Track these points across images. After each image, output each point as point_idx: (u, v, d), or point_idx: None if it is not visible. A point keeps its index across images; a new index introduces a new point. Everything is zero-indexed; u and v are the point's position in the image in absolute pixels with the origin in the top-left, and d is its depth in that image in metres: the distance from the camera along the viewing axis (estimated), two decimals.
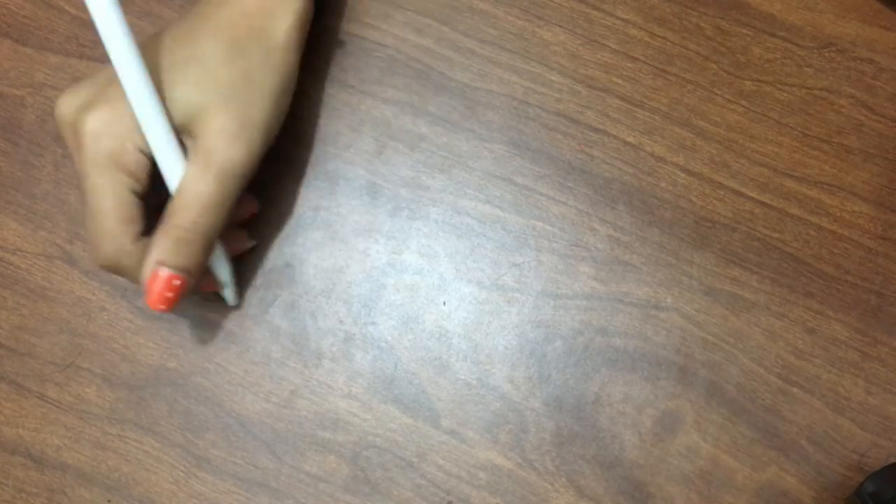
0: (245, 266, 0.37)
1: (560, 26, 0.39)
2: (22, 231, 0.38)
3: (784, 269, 0.37)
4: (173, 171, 0.30)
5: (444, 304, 0.37)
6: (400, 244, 0.37)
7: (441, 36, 0.39)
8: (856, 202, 0.38)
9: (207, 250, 0.31)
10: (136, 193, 0.30)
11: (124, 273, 0.31)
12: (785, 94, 0.39)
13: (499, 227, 0.37)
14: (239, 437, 0.36)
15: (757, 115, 0.38)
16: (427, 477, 0.35)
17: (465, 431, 0.36)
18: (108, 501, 0.35)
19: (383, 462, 0.36)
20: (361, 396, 0.36)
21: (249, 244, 0.36)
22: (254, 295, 0.37)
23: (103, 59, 0.39)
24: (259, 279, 0.37)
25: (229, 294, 0.36)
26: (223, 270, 0.34)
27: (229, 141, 0.30)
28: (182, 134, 0.30)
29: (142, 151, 0.30)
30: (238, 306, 0.37)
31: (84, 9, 0.39)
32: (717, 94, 0.39)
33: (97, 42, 0.39)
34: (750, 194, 0.38)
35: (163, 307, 0.30)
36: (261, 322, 0.37)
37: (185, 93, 0.30)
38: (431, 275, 0.37)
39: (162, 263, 0.30)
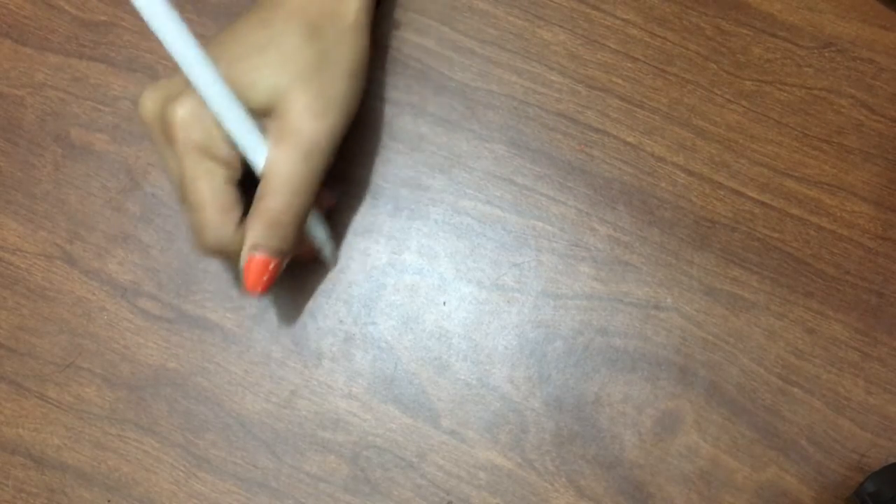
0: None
1: (560, 26, 0.39)
2: (22, 231, 0.38)
3: (784, 269, 0.37)
4: (257, 154, 0.30)
5: (444, 304, 0.37)
6: (400, 244, 0.37)
7: (441, 36, 0.39)
8: (856, 202, 0.38)
9: (299, 229, 0.31)
10: (231, 181, 0.31)
11: (228, 258, 0.32)
12: (785, 94, 0.39)
13: (499, 227, 0.37)
14: (239, 437, 0.36)
15: (757, 115, 0.38)
16: (427, 477, 0.35)
17: (465, 431, 0.36)
18: (108, 501, 0.35)
19: (383, 462, 0.36)
20: (361, 396, 0.36)
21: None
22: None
23: (103, 59, 0.39)
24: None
25: (328, 253, 0.36)
26: (319, 232, 0.35)
27: (314, 119, 0.30)
28: (263, 117, 0.30)
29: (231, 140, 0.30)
30: (335, 265, 0.37)
31: (84, 9, 0.39)
32: (717, 94, 0.39)
33: (97, 42, 0.39)
34: (750, 194, 0.38)
35: (259, 290, 0.31)
36: (261, 322, 0.37)
37: (266, 76, 0.30)
38: (431, 275, 0.37)
39: (256, 248, 0.31)
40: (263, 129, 0.30)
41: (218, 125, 0.30)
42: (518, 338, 0.37)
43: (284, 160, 0.30)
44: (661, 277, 0.37)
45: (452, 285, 0.37)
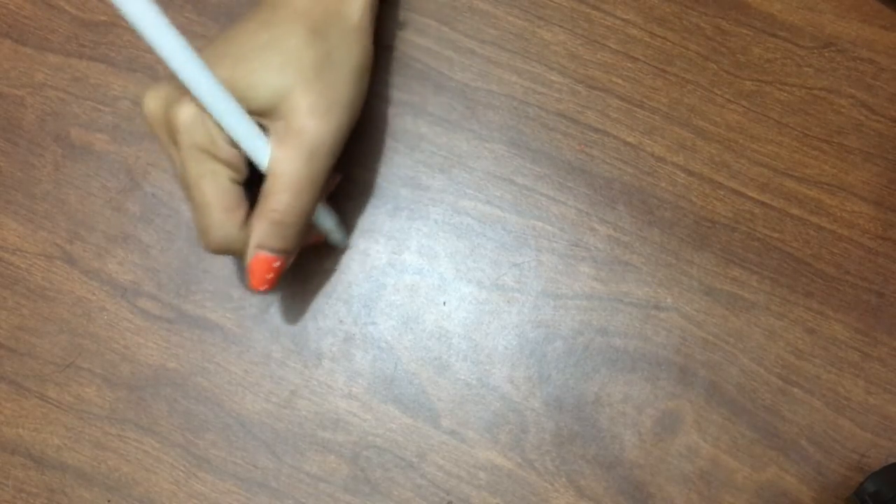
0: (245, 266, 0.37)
1: (560, 26, 0.39)
2: (22, 231, 0.38)
3: (784, 269, 0.37)
4: (261, 154, 0.30)
5: (444, 304, 0.37)
6: (400, 244, 0.37)
7: (441, 36, 0.39)
8: (856, 202, 0.38)
9: (304, 227, 0.32)
10: (235, 181, 0.31)
11: (235, 255, 0.32)
12: (785, 94, 0.39)
13: (499, 227, 0.37)
14: (239, 437, 0.36)
15: (757, 115, 0.38)
16: (427, 477, 0.35)
17: (465, 431, 0.36)
18: (108, 501, 0.35)
19: (383, 462, 0.36)
20: (361, 396, 0.36)
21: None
22: (254, 295, 0.37)
23: (103, 59, 0.39)
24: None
25: (337, 238, 0.36)
26: (326, 219, 0.35)
27: (318, 119, 0.30)
28: (266, 118, 0.31)
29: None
30: (347, 246, 0.37)
31: (84, 9, 0.39)
32: (717, 94, 0.39)
33: (97, 42, 0.39)
34: (750, 194, 0.38)
35: (265, 287, 0.32)
36: (261, 322, 0.37)
37: (268, 77, 0.30)
38: (431, 275, 0.37)
39: (261, 247, 0.31)
40: (267, 130, 0.30)
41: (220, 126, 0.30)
42: (518, 338, 0.37)
43: (288, 160, 0.30)
44: (661, 277, 0.37)
45: (452, 285, 0.37)
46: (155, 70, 0.39)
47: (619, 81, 0.39)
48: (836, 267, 0.37)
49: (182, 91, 0.30)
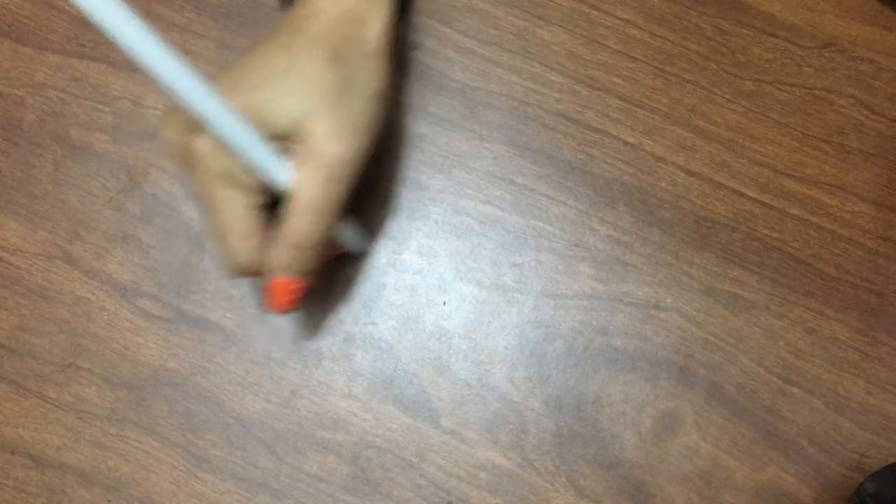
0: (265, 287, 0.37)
1: (560, 26, 0.39)
2: (22, 231, 0.38)
3: (784, 269, 0.37)
4: (280, 179, 0.30)
5: (444, 304, 0.37)
6: (400, 244, 0.37)
7: (441, 36, 0.39)
8: (856, 202, 0.38)
9: (324, 250, 0.32)
10: (255, 207, 0.31)
11: (256, 277, 0.32)
12: (785, 94, 0.39)
13: (499, 227, 0.37)
14: (239, 437, 0.36)
15: (757, 115, 0.38)
16: (427, 477, 0.35)
17: (465, 431, 0.36)
18: (108, 501, 0.35)
19: (383, 462, 0.36)
20: (361, 396, 0.36)
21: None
22: (254, 295, 0.37)
23: (103, 59, 0.39)
24: (259, 279, 0.37)
25: (357, 247, 0.36)
26: (346, 232, 0.35)
27: (338, 142, 0.30)
28: (286, 142, 0.31)
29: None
30: (366, 254, 0.37)
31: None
32: (717, 94, 0.39)
33: (97, 42, 0.39)
34: (750, 194, 0.38)
35: (285, 309, 0.32)
36: (261, 322, 0.37)
37: (288, 102, 0.30)
38: (431, 275, 0.37)
39: (282, 272, 0.31)
40: (287, 153, 0.30)
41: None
42: (518, 338, 0.37)
43: (309, 184, 0.30)
44: (661, 277, 0.37)
45: (452, 285, 0.37)
46: None
47: (619, 81, 0.39)
48: (836, 267, 0.37)
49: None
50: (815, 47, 0.39)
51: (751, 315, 0.37)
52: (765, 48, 0.39)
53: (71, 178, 0.38)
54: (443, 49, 0.39)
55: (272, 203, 0.31)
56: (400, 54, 0.39)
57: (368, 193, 0.38)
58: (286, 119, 0.30)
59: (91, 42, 0.39)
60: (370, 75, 0.32)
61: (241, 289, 0.37)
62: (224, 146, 0.29)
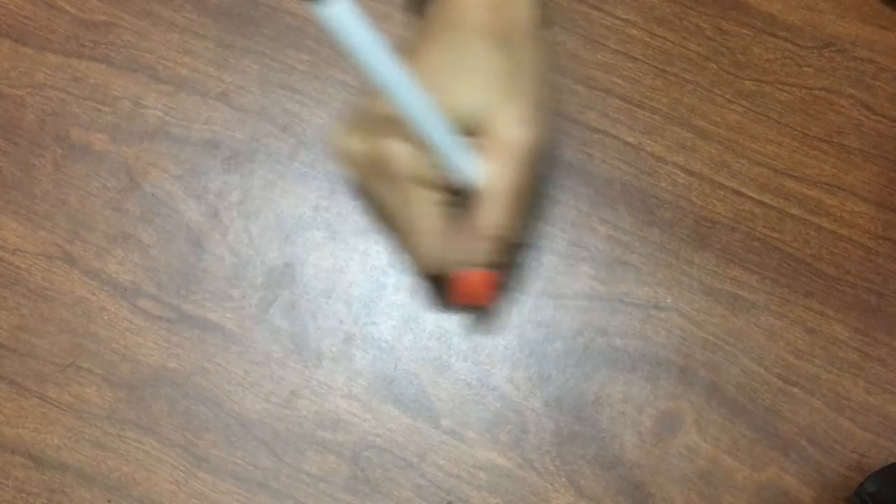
0: (245, 266, 0.37)
1: (560, 26, 0.39)
2: (22, 231, 0.38)
3: (784, 269, 0.37)
4: (473, 173, 0.30)
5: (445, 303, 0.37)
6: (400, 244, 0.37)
7: None
8: (856, 202, 0.38)
9: (517, 240, 0.32)
10: (444, 204, 0.31)
11: (444, 271, 0.32)
12: (785, 94, 0.39)
13: None
14: (239, 437, 0.36)
15: (757, 115, 0.38)
16: (427, 477, 0.35)
17: (465, 431, 0.36)
18: (108, 501, 0.35)
19: (383, 462, 0.36)
20: (361, 396, 0.36)
21: None
22: (254, 295, 0.37)
23: (103, 59, 0.39)
24: (259, 279, 0.37)
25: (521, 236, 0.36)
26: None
27: (524, 127, 0.30)
28: (472, 136, 0.31)
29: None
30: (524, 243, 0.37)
31: (84, 9, 0.39)
32: (717, 94, 0.39)
33: (97, 42, 0.39)
34: (750, 194, 0.38)
35: (486, 303, 0.32)
36: (261, 322, 0.37)
37: (470, 98, 0.30)
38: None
39: (481, 265, 0.31)
40: (471, 149, 0.31)
41: (427, 153, 0.30)
42: (518, 338, 0.37)
43: (501, 174, 0.30)
44: (661, 277, 0.37)
45: None
46: (155, 70, 0.39)
47: (619, 81, 0.39)
48: (836, 267, 0.37)
49: (376, 124, 0.30)
50: (815, 47, 0.39)
51: (751, 315, 0.37)
52: (765, 48, 0.39)
53: (71, 178, 0.38)
54: None
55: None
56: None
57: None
58: (472, 113, 0.30)
59: (91, 42, 0.39)
60: (534, 56, 0.32)
61: (241, 289, 0.37)
62: (415, 146, 0.30)
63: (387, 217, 0.33)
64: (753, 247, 0.37)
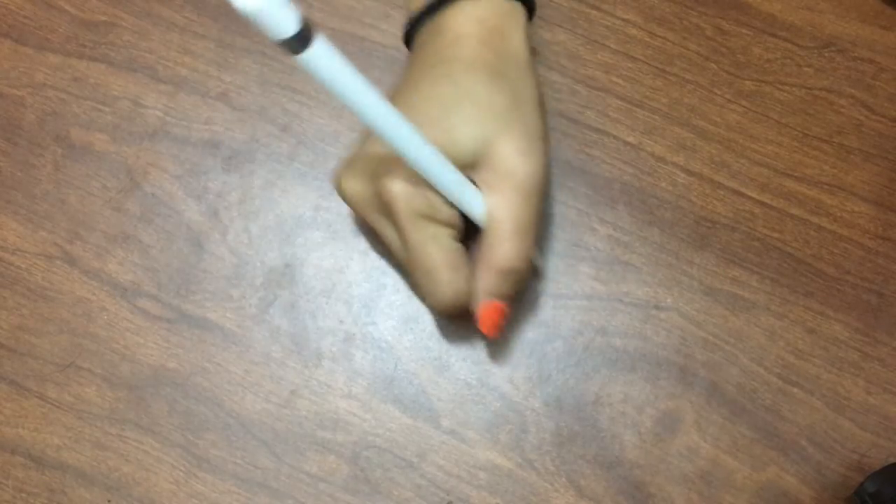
0: (245, 266, 0.37)
1: (560, 26, 0.39)
2: (22, 231, 0.38)
3: (784, 269, 0.37)
4: (477, 207, 0.30)
5: None
6: None
7: None
8: (856, 202, 0.38)
9: (528, 271, 0.32)
10: (456, 238, 0.31)
11: (463, 309, 0.32)
12: (785, 94, 0.39)
13: None
14: (239, 437, 0.36)
15: (757, 115, 0.38)
16: (427, 477, 0.35)
17: (465, 431, 0.36)
18: (108, 501, 0.35)
19: (383, 462, 0.36)
20: (361, 396, 0.36)
21: None
22: (254, 295, 0.37)
23: (103, 59, 0.39)
24: (259, 279, 0.37)
25: (539, 265, 0.36)
26: (535, 256, 0.34)
27: (524, 158, 0.30)
28: (471, 170, 0.30)
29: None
30: (543, 274, 0.37)
31: (84, 9, 0.39)
32: (717, 94, 0.39)
33: (97, 42, 0.39)
34: (750, 194, 0.38)
35: (496, 334, 0.32)
36: (261, 322, 0.37)
37: (468, 131, 0.30)
38: None
39: (492, 297, 0.31)
40: (474, 183, 0.30)
41: (433, 189, 0.30)
42: (518, 338, 0.37)
43: (506, 206, 0.30)
44: (661, 277, 0.37)
45: None
46: (155, 70, 0.39)
47: (619, 81, 0.39)
48: (836, 267, 0.37)
49: (377, 163, 0.30)
50: (815, 47, 0.39)
51: (751, 315, 0.37)
52: (765, 48, 0.39)
53: (71, 178, 0.38)
54: None
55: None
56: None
57: None
58: (470, 147, 0.30)
59: (91, 42, 0.39)
60: (530, 85, 0.32)
61: (241, 289, 0.37)
62: (420, 183, 0.29)
63: (399, 259, 0.32)
64: (753, 247, 0.37)
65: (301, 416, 0.36)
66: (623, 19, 0.39)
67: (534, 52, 0.37)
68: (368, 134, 0.32)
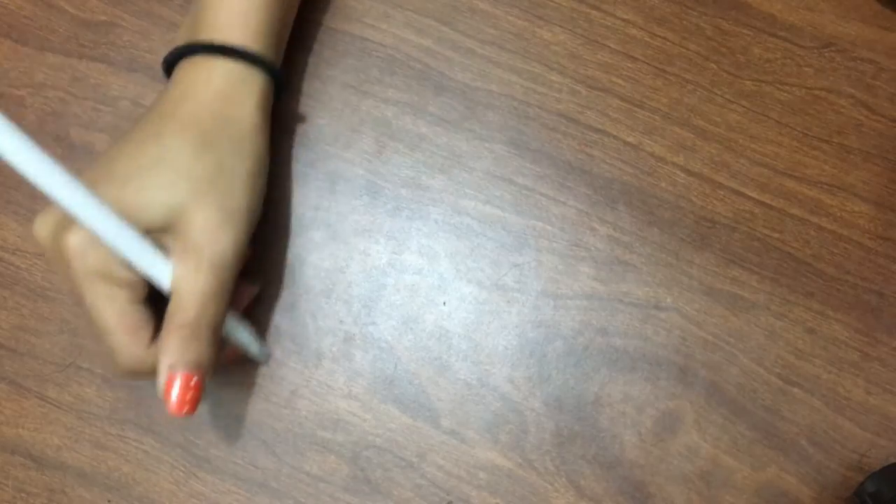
0: (246, 265, 0.37)
1: (560, 26, 0.39)
2: (22, 231, 0.38)
3: (784, 269, 0.37)
4: (160, 274, 0.29)
5: (444, 304, 0.37)
6: (400, 244, 0.37)
7: (441, 36, 0.39)
8: (856, 202, 0.38)
9: (215, 341, 0.30)
10: (136, 301, 0.30)
11: (145, 378, 0.31)
12: (785, 94, 0.39)
13: (499, 227, 0.37)
14: (239, 437, 0.36)
15: (757, 115, 0.38)
16: (427, 477, 0.35)
17: (465, 431, 0.36)
18: (108, 501, 0.35)
19: (383, 462, 0.36)
20: (361, 396, 0.36)
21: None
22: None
23: (103, 59, 0.39)
24: (259, 279, 0.37)
25: (256, 352, 0.34)
26: (241, 334, 0.33)
27: (215, 233, 0.29)
28: (163, 234, 0.29)
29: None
30: (268, 361, 0.36)
31: (84, 9, 0.39)
32: (717, 94, 0.39)
33: (97, 42, 0.39)
34: (750, 194, 0.38)
35: (188, 409, 0.29)
36: (261, 322, 0.37)
37: (160, 195, 0.29)
38: (431, 275, 0.37)
39: (174, 366, 0.29)
40: (164, 247, 0.29)
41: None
42: (518, 338, 0.37)
43: (189, 278, 0.29)
44: (661, 277, 0.37)
45: (452, 285, 0.37)
46: (155, 70, 0.39)
47: (619, 81, 0.39)
48: (836, 267, 0.37)
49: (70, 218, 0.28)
50: (815, 47, 0.39)
51: (751, 315, 0.37)
52: (765, 48, 0.39)
53: None
54: (443, 49, 0.39)
55: (155, 299, 0.30)
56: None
57: (369, 193, 0.38)
58: (160, 212, 0.29)
59: (91, 42, 0.39)
60: (244, 157, 0.31)
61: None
62: (97, 241, 0.28)
63: (78, 313, 0.30)
64: (753, 247, 0.37)
65: (301, 416, 0.36)
66: (623, 19, 0.39)
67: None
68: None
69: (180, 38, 0.33)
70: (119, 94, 0.39)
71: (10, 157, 0.25)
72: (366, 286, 0.37)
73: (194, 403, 0.29)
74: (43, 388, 0.36)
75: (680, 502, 0.35)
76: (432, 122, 0.38)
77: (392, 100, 0.38)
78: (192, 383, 0.29)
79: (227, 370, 0.36)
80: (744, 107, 0.39)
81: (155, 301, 0.30)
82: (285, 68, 0.37)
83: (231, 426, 0.36)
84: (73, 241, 0.28)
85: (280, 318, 0.37)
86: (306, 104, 0.39)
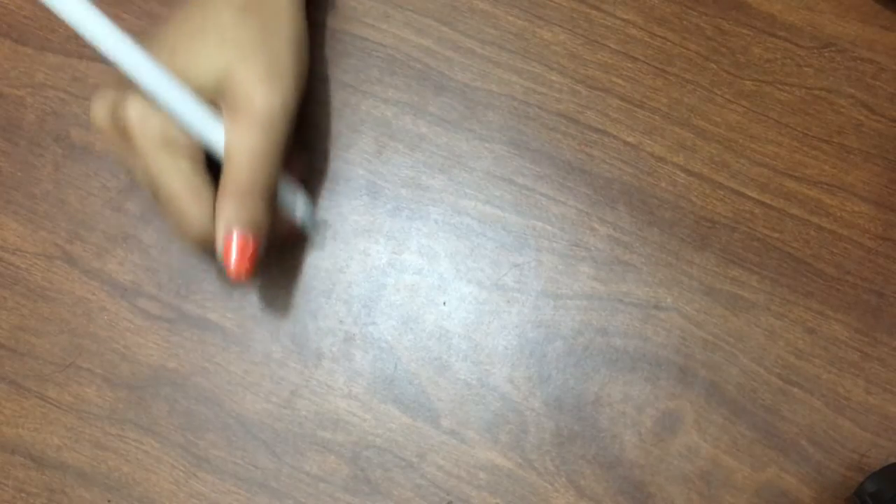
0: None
1: (560, 26, 0.39)
2: (22, 231, 0.38)
3: (784, 269, 0.37)
4: (215, 136, 0.30)
5: (444, 304, 0.37)
6: (400, 244, 0.37)
7: (441, 36, 0.39)
8: (856, 202, 0.38)
9: (270, 200, 0.31)
10: (198, 168, 0.31)
11: (212, 247, 0.31)
12: (785, 94, 0.39)
13: (499, 227, 0.37)
14: (239, 437, 0.36)
15: (757, 115, 0.38)
16: (427, 477, 0.35)
17: (465, 431, 0.36)
18: (108, 501, 0.35)
19: (383, 462, 0.36)
20: (361, 396, 0.36)
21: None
22: (254, 295, 0.37)
23: (103, 59, 0.39)
24: (260, 279, 0.37)
25: (308, 221, 0.35)
26: (294, 199, 0.34)
27: (263, 86, 0.30)
28: (213, 97, 0.31)
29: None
30: (319, 232, 0.37)
31: None
32: (717, 94, 0.39)
33: None
34: (750, 194, 0.38)
35: (246, 272, 0.30)
36: (261, 322, 0.37)
37: (209, 57, 0.30)
38: (431, 275, 0.37)
39: (231, 226, 0.30)
40: (217, 111, 0.30)
41: (171, 116, 0.30)
42: (518, 338, 0.37)
43: (242, 135, 0.30)
44: (661, 277, 0.37)
45: (452, 285, 0.37)
46: None
47: (619, 81, 0.39)
48: (836, 267, 0.37)
49: (125, 92, 0.30)
50: (815, 47, 0.39)
51: (751, 315, 0.37)
52: (765, 48, 0.39)
53: (71, 178, 0.38)
54: (443, 49, 0.39)
55: (213, 168, 0.31)
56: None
57: (368, 193, 0.38)
58: (210, 73, 0.30)
59: None
60: (286, 22, 0.32)
61: (241, 289, 0.37)
62: (156, 111, 0.29)
63: (143, 186, 0.32)
64: (753, 247, 0.37)
65: (301, 416, 0.36)
66: (623, 19, 0.39)
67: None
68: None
69: None
70: None
71: (73, 22, 0.26)
72: (366, 286, 0.37)
73: (251, 266, 0.30)
74: (43, 388, 0.36)
75: (680, 502, 0.35)
76: (432, 122, 0.38)
77: (392, 100, 0.38)
78: (250, 244, 0.30)
79: (227, 370, 0.36)
80: (744, 107, 0.39)
81: (213, 171, 0.31)
82: None
83: (231, 426, 0.36)
84: (132, 112, 0.29)
85: (280, 318, 0.37)
86: (306, 104, 0.39)
